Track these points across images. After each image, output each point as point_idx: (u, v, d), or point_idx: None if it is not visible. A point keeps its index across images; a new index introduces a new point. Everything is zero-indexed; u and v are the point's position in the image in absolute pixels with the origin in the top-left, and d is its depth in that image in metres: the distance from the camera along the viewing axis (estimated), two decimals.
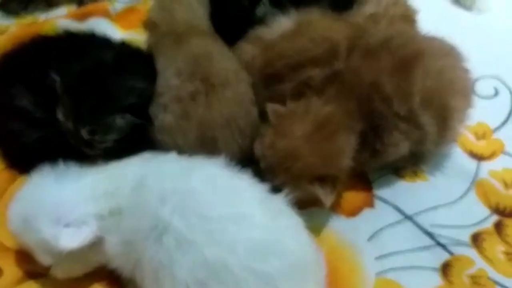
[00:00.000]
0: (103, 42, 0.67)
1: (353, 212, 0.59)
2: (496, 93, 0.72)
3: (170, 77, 0.59)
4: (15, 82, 0.63)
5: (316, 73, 0.61)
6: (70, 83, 0.58)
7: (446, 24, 0.84)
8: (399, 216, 0.58)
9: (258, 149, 0.57)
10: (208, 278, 0.42)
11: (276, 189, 0.53)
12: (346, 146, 0.55)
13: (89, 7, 0.87)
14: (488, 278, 0.53)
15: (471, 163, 0.63)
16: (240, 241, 0.43)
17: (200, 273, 0.42)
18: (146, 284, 0.46)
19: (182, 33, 0.65)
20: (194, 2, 0.70)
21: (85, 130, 0.56)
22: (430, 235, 0.56)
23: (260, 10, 0.66)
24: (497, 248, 0.55)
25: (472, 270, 0.54)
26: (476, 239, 0.56)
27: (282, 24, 0.65)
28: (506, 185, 0.61)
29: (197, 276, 0.42)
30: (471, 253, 0.55)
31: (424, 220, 0.57)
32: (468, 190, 0.60)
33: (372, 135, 0.57)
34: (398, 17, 0.71)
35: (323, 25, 0.64)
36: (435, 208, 0.58)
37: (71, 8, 0.91)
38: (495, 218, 0.58)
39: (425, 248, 0.55)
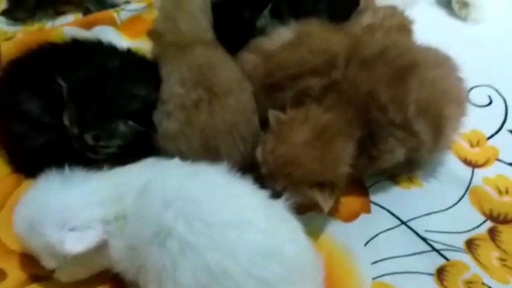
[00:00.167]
0: (109, 50, 0.69)
1: (350, 217, 0.60)
2: (490, 101, 0.74)
3: (174, 85, 0.61)
4: (23, 87, 0.65)
5: (315, 83, 0.63)
6: (75, 89, 0.60)
7: (442, 34, 0.86)
8: (395, 222, 0.59)
9: (259, 155, 0.59)
10: (210, 283, 0.43)
11: (276, 195, 0.54)
12: (345, 153, 0.57)
13: (96, 15, 0.89)
14: (483, 283, 0.54)
15: (466, 170, 0.65)
16: (241, 247, 0.44)
17: (202, 278, 0.44)
18: None
19: (186, 43, 0.66)
20: (197, 13, 0.71)
21: (89, 136, 0.59)
22: (425, 240, 0.57)
23: (261, 22, 0.68)
24: (491, 254, 0.56)
25: (467, 276, 0.55)
26: (470, 245, 0.57)
27: (282, 34, 0.68)
28: (499, 192, 0.62)
29: (200, 281, 0.44)
30: (466, 258, 0.56)
31: (419, 225, 0.59)
32: (462, 196, 0.62)
33: (369, 142, 0.59)
34: (395, 27, 0.73)
35: (321, 36, 0.66)
36: (429, 214, 0.60)
37: (78, 16, 0.94)
38: (489, 224, 0.59)
39: (421, 253, 0.56)
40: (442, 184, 0.63)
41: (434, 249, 0.57)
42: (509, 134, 0.69)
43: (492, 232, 0.58)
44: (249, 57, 0.68)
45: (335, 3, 0.75)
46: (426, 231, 0.58)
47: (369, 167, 0.60)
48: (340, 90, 0.61)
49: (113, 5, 0.90)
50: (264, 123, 0.62)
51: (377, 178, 0.64)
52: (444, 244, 0.57)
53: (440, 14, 0.92)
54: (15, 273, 0.56)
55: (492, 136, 0.69)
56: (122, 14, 0.88)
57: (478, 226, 0.59)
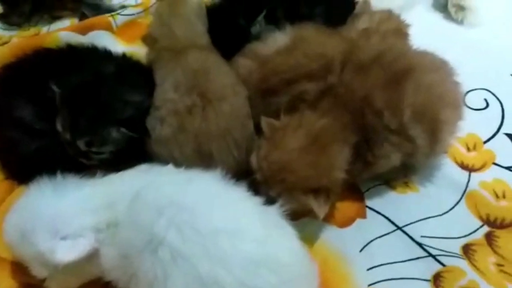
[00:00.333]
0: (103, 55, 0.69)
1: (346, 223, 0.60)
2: (487, 105, 0.74)
3: (168, 91, 0.61)
4: (16, 93, 0.65)
5: (310, 88, 0.62)
6: (68, 94, 0.60)
7: (438, 38, 0.87)
8: (390, 227, 0.59)
9: (253, 161, 0.58)
10: None
11: (270, 201, 0.54)
12: (340, 159, 0.56)
13: (91, 20, 0.89)
14: None
15: (462, 175, 0.64)
16: (234, 256, 0.43)
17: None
18: None
19: (181, 48, 0.66)
20: (193, 18, 0.71)
21: (81, 141, 0.58)
22: (421, 246, 0.57)
23: (256, 28, 0.68)
24: (488, 260, 0.56)
25: (463, 282, 0.55)
26: (467, 250, 0.56)
27: (277, 39, 0.67)
28: (496, 196, 0.62)
29: None
30: (462, 264, 0.56)
31: (415, 231, 0.58)
32: (458, 201, 0.62)
33: (364, 148, 0.58)
34: (391, 31, 0.73)
35: (317, 40, 0.66)
36: (426, 219, 0.59)
37: (74, 21, 0.94)
38: (485, 229, 0.58)
39: (417, 259, 0.56)
40: (438, 189, 0.63)
41: (430, 254, 0.56)
42: (505, 137, 0.68)
43: (489, 237, 0.58)
44: (244, 62, 0.67)
45: (331, 7, 0.75)
46: (422, 236, 0.58)
47: (364, 172, 0.60)
48: (336, 95, 0.61)
49: (109, 10, 0.90)
50: (259, 128, 0.61)
51: (373, 182, 0.63)
52: (441, 250, 0.56)
53: (437, 18, 0.92)
54: (6, 282, 0.55)
55: (488, 139, 0.69)
56: (118, 19, 0.88)
57: (474, 231, 0.58)
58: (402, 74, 0.59)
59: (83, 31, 0.86)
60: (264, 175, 0.56)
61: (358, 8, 0.76)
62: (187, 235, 0.44)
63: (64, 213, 0.49)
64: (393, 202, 0.62)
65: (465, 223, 0.59)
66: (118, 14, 0.88)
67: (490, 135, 0.69)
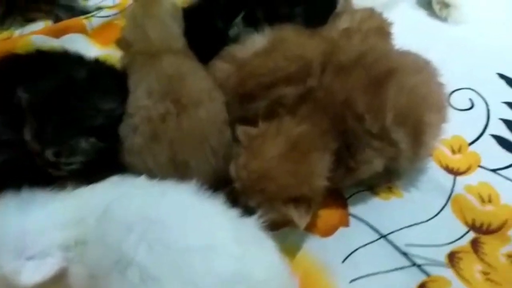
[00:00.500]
0: (75, 60, 0.65)
1: (328, 232, 0.58)
2: (472, 105, 0.72)
3: (141, 97, 0.58)
4: None
5: (289, 92, 0.60)
6: (36, 102, 0.57)
7: (423, 36, 0.85)
8: (374, 235, 0.57)
9: (232, 170, 0.56)
10: None
11: (250, 211, 0.52)
12: (320, 166, 0.54)
13: (65, 23, 0.86)
14: None
15: (447, 178, 0.63)
16: (207, 274, 0.41)
17: None
18: None
19: (156, 52, 0.63)
20: (168, 20, 0.68)
21: (50, 152, 0.55)
22: (405, 255, 0.55)
23: (234, 31, 0.65)
24: (474, 268, 0.54)
25: None
26: (453, 259, 0.55)
27: (256, 42, 0.65)
28: (482, 200, 0.60)
29: None
30: (448, 273, 0.54)
31: (400, 239, 0.56)
32: (444, 206, 0.60)
33: (346, 154, 0.56)
34: (373, 30, 0.71)
35: (296, 42, 0.64)
36: (410, 226, 0.58)
37: (48, 24, 0.90)
38: (471, 235, 0.57)
39: (401, 269, 0.54)
40: (423, 194, 0.61)
41: (415, 264, 0.54)
42: (491, 139, 0.67)
43: (475, 244, 0.56)
44: (221, 66, 0.65)
45: (312, 7, 0.73)
46: (407, 245, 0.56)
47: (346, 178, 0.58)
48: (316, 99, 0.59)
49: (84, 12, 0.87)
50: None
51: (356, 188, 0.61)
52: (425, 259, 0.55)
53: (421, 15, 0.89)
54: None
55: (474, 141, 0.67)
56: (93, 21, 0.85)
57: (460, 238, 0.56)
58: (383, 76, 0.57)
59: (57, 35, 0.83)
60: (243, 185, 0.54)
61: (339, 7, 0.74)
62: (158, 253, 0.42)
63: (30, 231, 0.46)
64: (376, 209, 0.60)
65: (451, 229, 0.57)
66: (93, 16, 0.85)
67: (475, 136, 0.67)
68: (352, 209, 0.60)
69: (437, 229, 0.57)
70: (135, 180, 0.52)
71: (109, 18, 0.86)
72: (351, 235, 0.57)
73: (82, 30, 0.84)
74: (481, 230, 0.58)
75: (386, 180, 0.62)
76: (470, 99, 0.73)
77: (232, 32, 0.65)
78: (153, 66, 0.61)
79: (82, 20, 0.85)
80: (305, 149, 0.54)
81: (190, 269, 0.41)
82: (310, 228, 0.57)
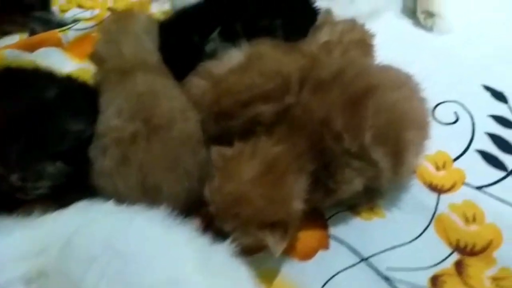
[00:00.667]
0: (45, 78, 0.63)
1: (307, 255, 0.55)
2: (457, 118, 0.70)
3: (111, 117, 0.56)
4: None
5: (266, 109, 0.58)
6: (1, 125, 0.54)
7: (407, 45, 0.83)
8: (355, 259, 0.55)
9: (206, 192, 0.53)
10: None
11: (224, 235, 0.50)
12: (297, 189, 0.52)
13: (40, 36, 0.84)
14: None
15: (431, 197, 0.60)
16: None
17: None
18: None
19: (129, 69, 0.61)
20: (143, 35, 0.67)
21: (15, 177, 0.52)
22: (387, 279, 0.53)
23: (210, 47, 0.63)
24: None
25: None
26: (436, 282, 0.52)
27: (233, 57, 0.63)
28: (466, 220, 0.58)
29: None
30: None
31: (381, 262, 0.54)
32: (427, 226, 0.58)
33: (324, 174, 0.54)
34: (354, 43, 0.69)
35: (273, 57, 0.61)
36: (392, 248, 0.55)
37: (23, 37, 0.87)
38: (455, 257, 0.55)
39: None
40: (406, 213, 0.59)
41: None
42: (476, 154, 0.65)
43: (459, 266, 0.54)
44: (197, 82, 0.62)
45: (292, 19, 0.71)
46: (388, 268, 0.53)
47: (326, 199, 0.55)
48: (293, 117, 0.57)
49: (61, 25, 0.85)
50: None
51: (336, 209, 0.59)
52: (408, 283, 0.52)
53: (406, 25, 0.88)
54: None
55: (458, 157, 0.65)
56: (69, 34, 0.83)
57: (444, 260, 0.54)
58: (362, 93, 0.55)
59: (31, 48, 0.81)
60: (217, 208, 0.52)
61: (320, 18, 0.72)
62: None
63: None
64: (358, 230, 0.57)
65: (434, 251, 0.55)
66: (69, 29, 0.83)
67: (460, 152, 0.65)
68: (333, 230, 0.58)
69: (420, 251, 0.55)
70: (102, 206, 0.50)
71: (86, 30, 0.83)
72: (331, 258, 0.55)
73: (58, 44, 0.81)
74: (466, 251, 0.55)
75: (368, 199, 0.59)
76: (455, 113, 0.71)
77: (209, 47, 0.63)
78: (125, 84, 0.58)
79: (57, 33, 0.83)
80: (281, 172, 0.51)
81: None
82: (289, 251, 0.55)
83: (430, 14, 0.86)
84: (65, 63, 0.80)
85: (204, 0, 0.73)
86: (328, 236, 0.57)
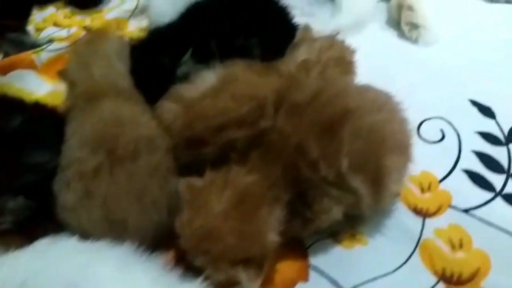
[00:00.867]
0: (10, 106, 0.60)
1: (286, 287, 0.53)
2: (443, 136, 0.67)
3: (74, 148, 0.53)
4: None
5: (240, 135, 0.55)
6: None
7: (392, 58, 0.80)
8: None
9: (177, 226, 0.51)
10: None
11: (196, 270, 0.48)
12: (271, 221, 0.49)
13: (13, 58, 0.81)
14: None
15: (416, 221, 0.57)
16: None
17: None
18: None
19: (97, 94, 0.59)
20: (114, 58, 0.64)
21: None
22: None
23: (182, 69, 0.61)
24: None
25: None
26: None
27: (206, 79, 0.60)
28: (453, 246, 0.55)
29: None
30: None
31: None
32: (412, 254, 0.55)
33: (301, 203, 0.52)
34: (333, 61, 0.66)
35: (248, 79, 0.59)
36: (374, 279, 0.52)
37: None
38: (441, 287, 0.52)
39: None
40: (389, 240, 0.56)
41: None
42: (463, 174, 0.62)
43: None
44: (168, 106, 0.60)
45: (269, 37, 0.68)
46: None
47: (304, 229, 0.53)
48: (268, 143, 0.54)
49: (34, 46, 0.82)
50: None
51: (317, 237, 0.56)
52: None
53: (390, 37, 0.84)
54: None
55: (444, 178, 0.62)
56: (43, 55, 0.80)
57: None
58: (338, 117, 0.52)
59: (4, 71, 0.78)
60: (186, 244, 0.49)
61: (298, 35, 0.69)
62: None
63: None
64: (339, 259, 0.54)
65: (419, 281, 0.52)
66: (42, 50, 0.81)
67: (446, 172, 0.62)
68: (313, 260, 0.55)
69: (404, 281, 0.52)
70: (64, 244, 0.47)
71: (60, 51, 0.81)
72: None
73: (31, 65, 0.79)
74: (452, 280, 0.52)
75: (349, 226, 0.56)
76: (441, 130, 0.68)
77: (181, 70, 0.61)
78: (91, 111, 0.56)
79: (31, 54, 0.80)
80: (254, 203, 0.49)
81: None
82: (266, 283, 0.52)
83: (414, 26, 0.84)
84: (39, 85, 0.78)
85: (179, 18, 0.72)
86: (307, 267, 0.54)
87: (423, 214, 0.59)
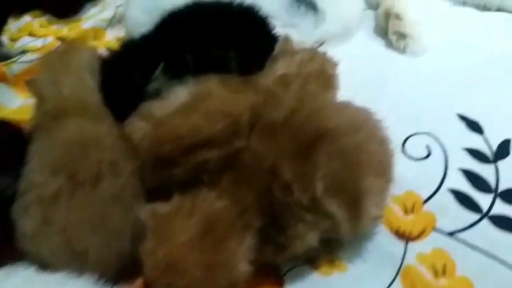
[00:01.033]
0: None
1: None
2: (429, 153, 0.64)
3: (35, 171, 0.50)
4: None
5: (212, 155, 0.52)
6: None
7: (378, 68, 0.77)
8: None
9: (141, 255, 0.48)
10: None
11: None
12: (241, 251, 0.46)
13: None
14: None
15: (398, 245, 0.54)
16: None
17: None
18: None
19: (64, 111, 0.56)
20: (85, 72, 0.61)
21: None
22: None
23: (153, 85, 0.58)
24: None
25: None
26: None
27: (178, 96, 0.57)
28: (435, 272, 0.52)
29: None
30: None
31: None
32: (393, 280, 0.51)
33: (274, 229, 0.49)
34: (314, 74, 0.63)
35: (222, 96, 0.56)
36: None
37: None
38: None
39: None
40: (369, 265, 0.53)
41: None
42: (449, 194, 0.59)
43: None
44: (138, 124, 0.56)
45: (247, 50, 0.65)
46: None
47: (277, 257, 0.50)
48: (242, 165, 0.51)
49: (6, 58, 0.79)
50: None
51: (293, 262, 0.53)
52: None
53: (378, 46, 0.82)
54: None
55: (429, 198, 0.59)
56: (14, 67, 0.78)
57: None
58: (313, 138, 0.49)
59: None
60: (149, 276, 0.46)
61: (277, 48, 0.66)
62: None
63: None
64: (316, 287, 0.52)
65: None
66: (14, 62, 0.78)
67: (431, 192, 0.59)
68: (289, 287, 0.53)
69: None
70: (19, 276, 0.44)
71: (32, 62, 0.78)
72: None
73: (3, 78, 0.76)
74: None
75: (327, 252, 0.53)
76: (427, 146, 0.65)
77: (152, 86, 0.58)
78: (54, 132, 0.53)
79: (2, 67, 0.77)
80: (222, 232, 0.46)
81: None
82: None
83: (402, 35, 0.81)
84: (11, 98, 0.75)
85: (154, 29, 0.69)
86: None
87: (405, 237, 0.55)
